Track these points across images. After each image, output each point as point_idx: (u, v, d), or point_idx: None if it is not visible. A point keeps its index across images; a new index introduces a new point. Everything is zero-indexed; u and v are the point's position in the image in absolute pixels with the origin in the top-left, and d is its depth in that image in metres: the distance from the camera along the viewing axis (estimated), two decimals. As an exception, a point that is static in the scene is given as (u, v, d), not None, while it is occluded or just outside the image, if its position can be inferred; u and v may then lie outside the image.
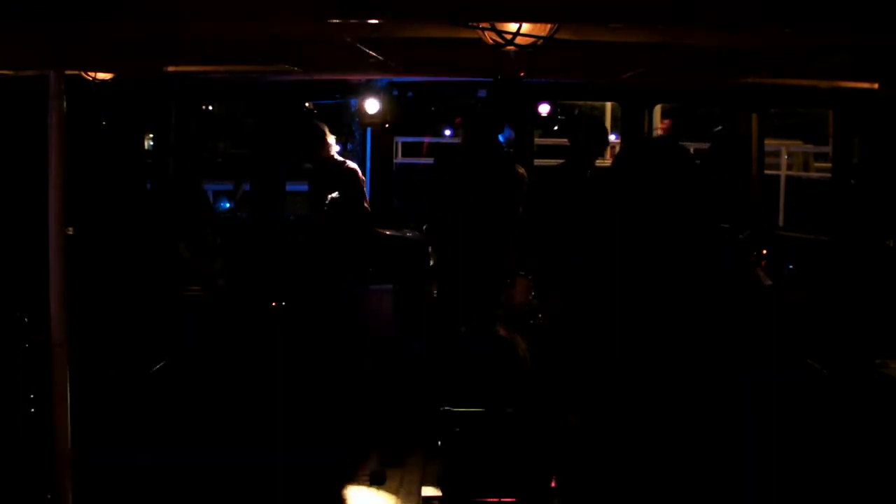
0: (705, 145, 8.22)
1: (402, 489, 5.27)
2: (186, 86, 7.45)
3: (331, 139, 6.86)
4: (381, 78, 7.28)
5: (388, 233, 6.90)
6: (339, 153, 7.17)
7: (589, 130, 6.55)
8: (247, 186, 9.35)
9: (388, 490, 5.26)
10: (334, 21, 3.46)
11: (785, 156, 12.18)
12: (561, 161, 6.60)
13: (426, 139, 14.10)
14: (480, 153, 6.05)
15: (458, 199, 6.03)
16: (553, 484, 4.71)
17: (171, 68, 5.58)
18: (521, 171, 6.20)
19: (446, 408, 4.87)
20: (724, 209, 7.11)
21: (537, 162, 8.50)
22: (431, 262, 6.32)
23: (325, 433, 5.69)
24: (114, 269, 6.48)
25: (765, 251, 6.18)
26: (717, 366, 3.06)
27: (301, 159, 7.30)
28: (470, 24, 3.35)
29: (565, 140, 6.75)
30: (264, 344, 5.86)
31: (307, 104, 9.33)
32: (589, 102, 14.05)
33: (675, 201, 2.84)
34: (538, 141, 10.03)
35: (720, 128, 8.06)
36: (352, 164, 7.06)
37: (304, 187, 7.34)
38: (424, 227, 6.57)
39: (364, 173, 8.68)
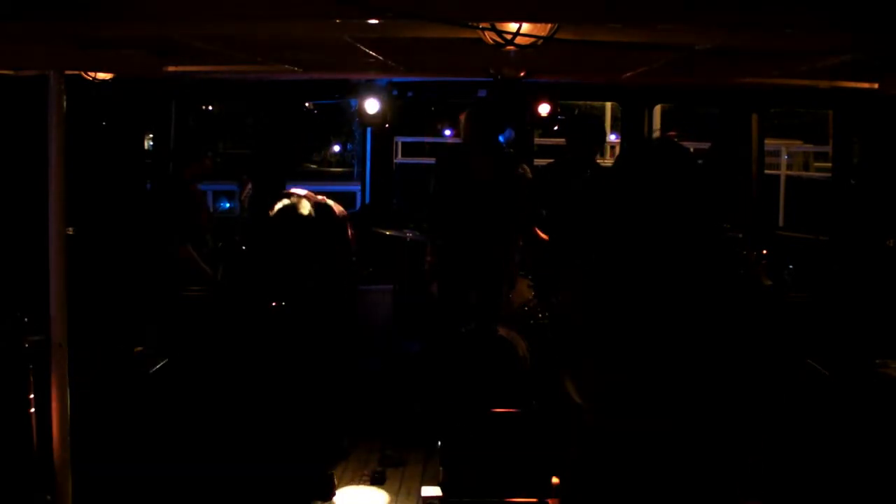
0: (705, 145, 8.24)
1: (402, 489, 5.27)
2: (186, 86, 7.45)
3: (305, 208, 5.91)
4: (381, 78, 7.27)
5: (388, 233, 6.90)
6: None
7: (585, 129, 6.56)
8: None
9: (388, 490, 5.26)
10: (334, 21, 3.47)
11: (785, 156, 12.19)
12: (551, 161, 6.59)
13: (427, 139, 14.12)
14: (481, 151, 6.03)
15: (458, 198, 6.02)
16: (553, 484, 4.71)
17: (171, 68, 5.57)
18: (524, 170, 6.18)
19: (446, 408, 4.87)
20: (726, 210, 7.12)
21: (537, 162, 8.51)
22: (426, 266, 6.29)
23: (325, 433, 5.68)
24: (114, 268, 6.49)
25: (765, 251, 6.18)
26: (718, 366, 3.06)
27: None
28: (470, 24, 3.35)
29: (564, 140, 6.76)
30: (264, 344, 5.85)
31: (307, 104, 9.31)
32: (589, 102, 14.07)
33: (679, 203, 2.84)
34: (538, 141, 10.04)
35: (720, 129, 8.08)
36: (338, 211, 6.14)
37: (304, 187, 7.23)
38: (424, 226, 6.53)
39: (364, 173, 8.70)
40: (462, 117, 6.09)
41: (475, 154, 6.02)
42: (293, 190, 6.08)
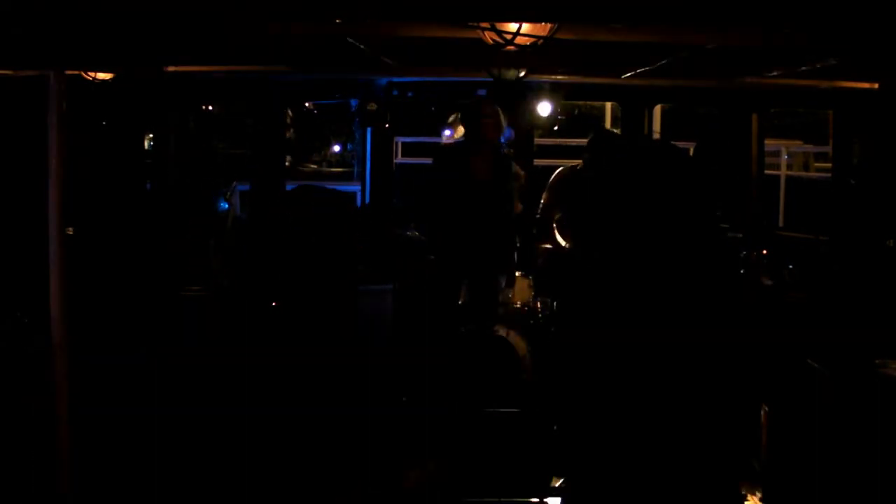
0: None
1: (402, 489, 5.27)
2: (186, 86, 7.45)
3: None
4: (381, 78, 7.28)
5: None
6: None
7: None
8: (242, 186, 9.36)
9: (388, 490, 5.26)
10: (334, 21, 3.47)
11: (785, 156, 12.17)
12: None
13: (427, 139, 14.10)
14: (479, 151, 6.01)
15: (454, 197, 6.00)
16: (553, 484, 4.71)
17: (171, 68, 5.58)
18: (518, 169, 6.17)
19: (446, 408, 4.87)
20: (724, 210, 7.13)
21: (537, 162, 8.50)
22: (431, 274, 6.30)
23: (325, 433, 5.68)
24: (114, 268, 6.49)
25: (765, 251, 6.18)
26: (718, 366, 3.07)
27: None
28: (470, 24, 3.36)
29: (565, 140, 6.76)
30: (264, 344, 5.85)
31: (307, 104, 9.31)
32: (589, 102, 14.06)
33: (677, 204, 2.84)
34: (538, 141, 10.03)
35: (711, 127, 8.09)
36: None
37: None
38: (420, 225, 6.50)
39: (364, 173, 8.70)
40: (456, 116, 6.09)
41: (473, 153, 6.00)
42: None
